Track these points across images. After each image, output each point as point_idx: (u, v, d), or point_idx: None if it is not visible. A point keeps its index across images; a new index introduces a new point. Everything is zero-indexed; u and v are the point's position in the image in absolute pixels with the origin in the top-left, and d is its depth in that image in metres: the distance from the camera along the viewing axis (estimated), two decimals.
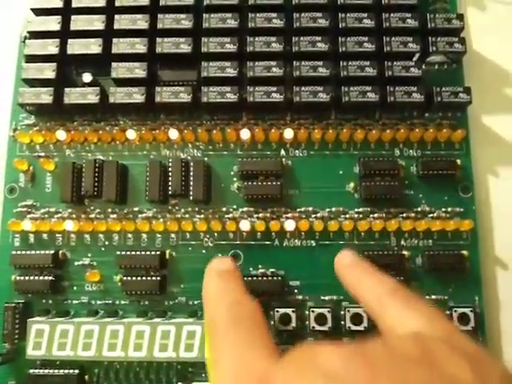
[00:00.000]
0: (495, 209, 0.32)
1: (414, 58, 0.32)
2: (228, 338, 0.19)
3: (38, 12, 0.33)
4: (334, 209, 0.31)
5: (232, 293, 0.22)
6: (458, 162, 0.31)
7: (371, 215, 0.31)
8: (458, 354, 0.16)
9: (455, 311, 0.29)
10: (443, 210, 0.31)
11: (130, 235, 0.31)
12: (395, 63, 0.31)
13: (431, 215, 0.31)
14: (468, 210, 0.31)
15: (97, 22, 0.32)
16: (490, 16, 0.35)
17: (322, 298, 0.30)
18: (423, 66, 0.32)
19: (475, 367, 0.15)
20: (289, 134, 0.31)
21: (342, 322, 0.30)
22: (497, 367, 0.16)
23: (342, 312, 0.30)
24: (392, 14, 0.32)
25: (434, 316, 0.19)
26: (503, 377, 0.15)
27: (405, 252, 0.30)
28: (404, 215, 0.31)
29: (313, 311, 0.29)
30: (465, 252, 0.30)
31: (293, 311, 0.29)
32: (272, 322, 0.29)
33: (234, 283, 0.23)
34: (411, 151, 0.32)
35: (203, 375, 0.29)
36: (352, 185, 0.31)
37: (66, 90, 0.31)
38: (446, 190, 0.31)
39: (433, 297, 0.30)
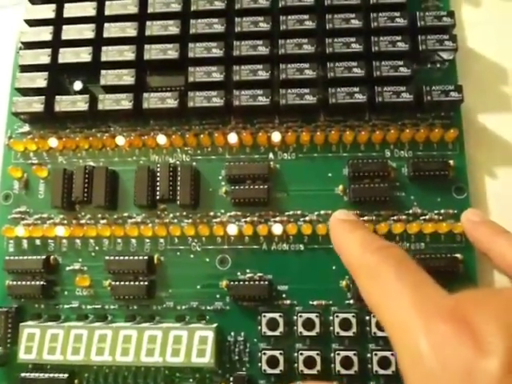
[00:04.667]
0: (491, 210, 0.31)
1: (404, 58, 0.31)
2: (399, 278, 0.19)
3: (32, 23, 0.34)
4: (322, 212, 0.31)
5: (376, 239, 0.23)
6: (451, 162, 0.30)
7: (361, 218, 0.30)
8: None
9: None
10: (436, 211, 0.30)
11: (119, 240, 0.32)
12: (384, 63, 0.31)
13: (423, 217, 0.30)
14: (462, 211, 0.30)
15: (87, 31, 0.33)
16: (484, 12, 0.34)
17: (311, 302, 0.30)
18: (414, 66, 0.32)
19: None
20: (276, 137, 0.31)
21: (331, 328, 0.29)
22: None
23: (331, 317, 0.29)
24: (380, 14, 0.31)
25: None
26: None
27: None
28: (395, 218, 0.30)
29: (301, 316, 0.29)
30: (459, 255, 0.29)
31: (280, 316, 0.29)
32: (259, 328, 0.29)
33: (369, 231, 0.24)
34: (402, 152, 0.31)
35: (190, 380, 0.29)
36: (341, 187, 0.31)
37: (57, 98, 0.32)
38: (438, 192, 0.30)
39: None
